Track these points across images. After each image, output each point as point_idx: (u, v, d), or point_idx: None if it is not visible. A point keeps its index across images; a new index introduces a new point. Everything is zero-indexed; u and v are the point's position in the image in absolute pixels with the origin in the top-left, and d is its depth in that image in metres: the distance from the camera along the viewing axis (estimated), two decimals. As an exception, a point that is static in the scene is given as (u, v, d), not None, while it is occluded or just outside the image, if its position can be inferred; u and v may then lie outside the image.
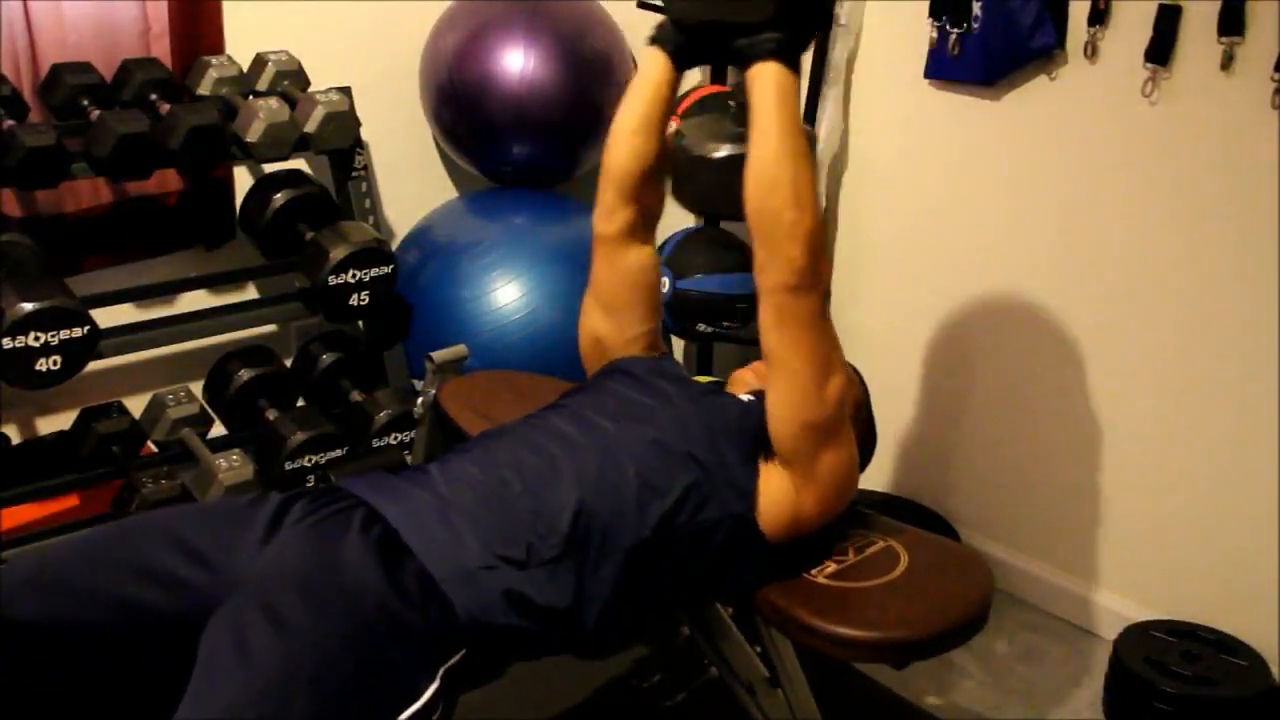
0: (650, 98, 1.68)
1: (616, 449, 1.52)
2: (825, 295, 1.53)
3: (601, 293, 1.79)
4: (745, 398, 1.65)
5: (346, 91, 2.66)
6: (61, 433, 2.56)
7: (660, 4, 2.58)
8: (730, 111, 1.75)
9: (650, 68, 1.68)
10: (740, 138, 1.60)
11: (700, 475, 1.51)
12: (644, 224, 1.76)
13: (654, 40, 1.68)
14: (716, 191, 1.65)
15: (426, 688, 1.29)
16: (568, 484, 1.46)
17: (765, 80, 1.53)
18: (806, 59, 2.63)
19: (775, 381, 1.54)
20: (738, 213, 1.54)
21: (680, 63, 1.67)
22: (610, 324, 1.78)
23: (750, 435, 1.57)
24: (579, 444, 1.53)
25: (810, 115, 2.65)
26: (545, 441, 1.54)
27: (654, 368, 1.73)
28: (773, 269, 1.49)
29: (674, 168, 1.78)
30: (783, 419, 1.53)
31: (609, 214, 1.74)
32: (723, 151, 1.66)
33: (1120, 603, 2.43)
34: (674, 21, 1.65)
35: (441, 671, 1.31)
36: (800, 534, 1.58)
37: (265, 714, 1.17)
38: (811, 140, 1.59)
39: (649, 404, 1.62)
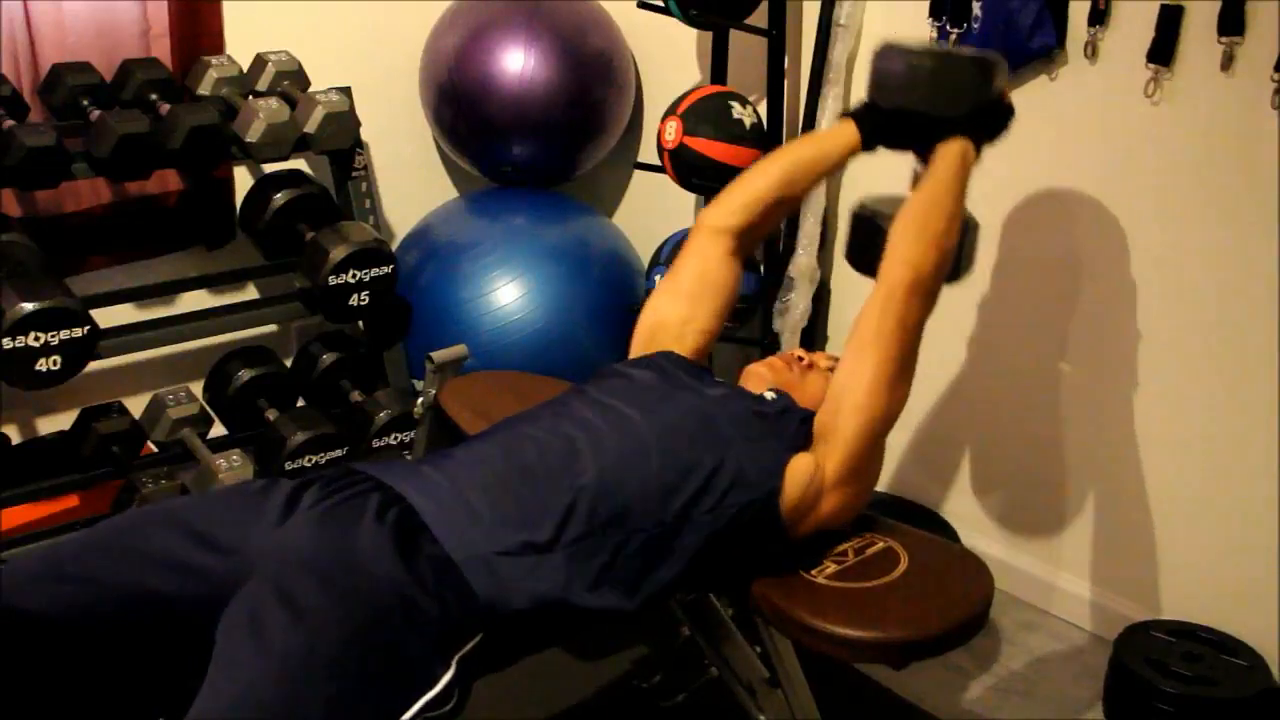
0: (824, 154, 1.84)
1: (639, 433, 1.52)
2: (928, 312, 1.65)
3: (681, 279, 1.83)
4: (769, 394, 1.66)
5: (346, 91, 2.67)
6: (61, 433, 2.57)
7: (661, 4, 2.59)
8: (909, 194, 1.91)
9: (841, 134, 1.84)
10: None
11: (722, 462, 1.51)
12: (746, 239, 1.84)
13: (851, 115, 1.84)
14: None
15: (442, 675, 1.29)
16: (590, 468, 1.46)
17: (952, 147, 1.74)
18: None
19: (856, 367, 1.59)
20: None
21: (869, 141, 1.83)
22: (677, 309, 1.81)
23: (774, 426, 1.59)
24: (601, 428, 1.53)
25: (810, 115, 2.65)
26: (568, 426, 1.54)
27: (676, 361, 1.74)
28: (899, 262, 1.62)
29: (856, 234, 1.99)
30: (851, 405, 1.57)
31: (729, 212, 1.82)
32: None
33: (1120, 603, 2.43)
34: (875, 105, 1.82)
35: (457, 659, 1.31)
36: (815, 529, 1.59)
37: (281, 700, 1.17)
38: (970, 224, 1.96)
39: (671, 391, 1.63)
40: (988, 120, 1.81)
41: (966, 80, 1.78)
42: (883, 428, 1.60)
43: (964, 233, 1.93)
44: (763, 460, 1.54)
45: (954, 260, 1.82)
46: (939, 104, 1.77)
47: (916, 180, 1.85)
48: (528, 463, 1.48)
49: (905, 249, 1.64)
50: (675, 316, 1.81)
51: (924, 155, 1.80)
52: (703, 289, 1.81)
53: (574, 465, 1.47)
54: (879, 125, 1.82)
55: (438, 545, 1.36)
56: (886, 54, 1.83)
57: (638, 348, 1.83)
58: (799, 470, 1.55)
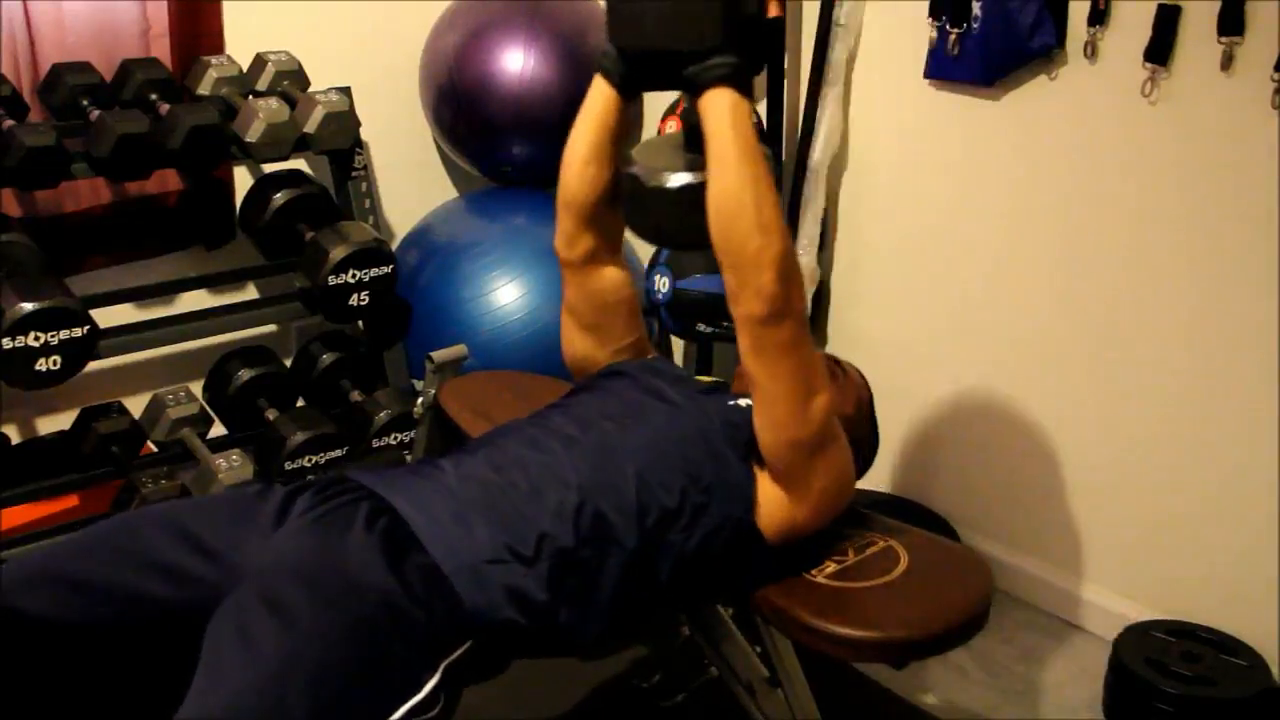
0: (598, 126, 1.66)
1: (616, 449, 1.52)
2: (802, 318, 1.50)
3: (577, 314, 1.80)
4: (744, 402, 1.65)
5: (346, 91, 2.66)
6: (61, 433, 2.57)
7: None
8: (680, 137, 1.67)
9: (596, 96, 1.65)
10: (693, 164, 1.56)
11: (699, 476, 1.51)
12: (607, 246, 1.75)
13: (599, 68, 1.64)
14: (673, 222, 1.59)
15: (427, 681, 1.29)
16: (570, 484, 1.46)
17: (719, 107, 1.48)
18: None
19: (759, 404, 1.53)
20: (696, 242, 1.50)
21: (627, 91, 1.64)
22: (592, 342, 1.80)
23: (748, 439, 1.57)
24: (581, 444, 1.53)
25: (810, 115, 2.65)
26: (549, 441, 1.54)
27: (652, 368, 1.73)
28: (745, 298, 1.46)
29: (626, 198, 1.68)
30: (769, 439, 1.53)
31: (570, 242, 1.74)
32: (676, 181, 1.56)
33: (1120, 603, 2.43)
34: (619, 50, 1.59)
35: (443, 666, 1.32)
36: (797, 537, 1.58)
37: (267, 704, 1.18)
38: (772, 161, 1.54)
39: (649, 404, 1.62)
40: (749, 45, 1.51)
41: (700, 8, 1.46)
42: (810, 447, 1.52)
43: None
44: (734, 477, 1.54)
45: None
46: (683, 37, 1.47)
47: (687, 125, 1.62)
48: (513, 478, 1.48)
49: (740, 287, 1.46)
50: (595, 348, 1.80)
51: (694, 93, 1.52)
52: (600, 315, 1.78)
53: (557, 481, 1.47)
54: (630, 76, 1.60)
55: (426, 555, 1.37)
56: None
57: (579, 378, 1.82)
58: (770, 495, 1.55)
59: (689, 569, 1.51)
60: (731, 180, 1.46)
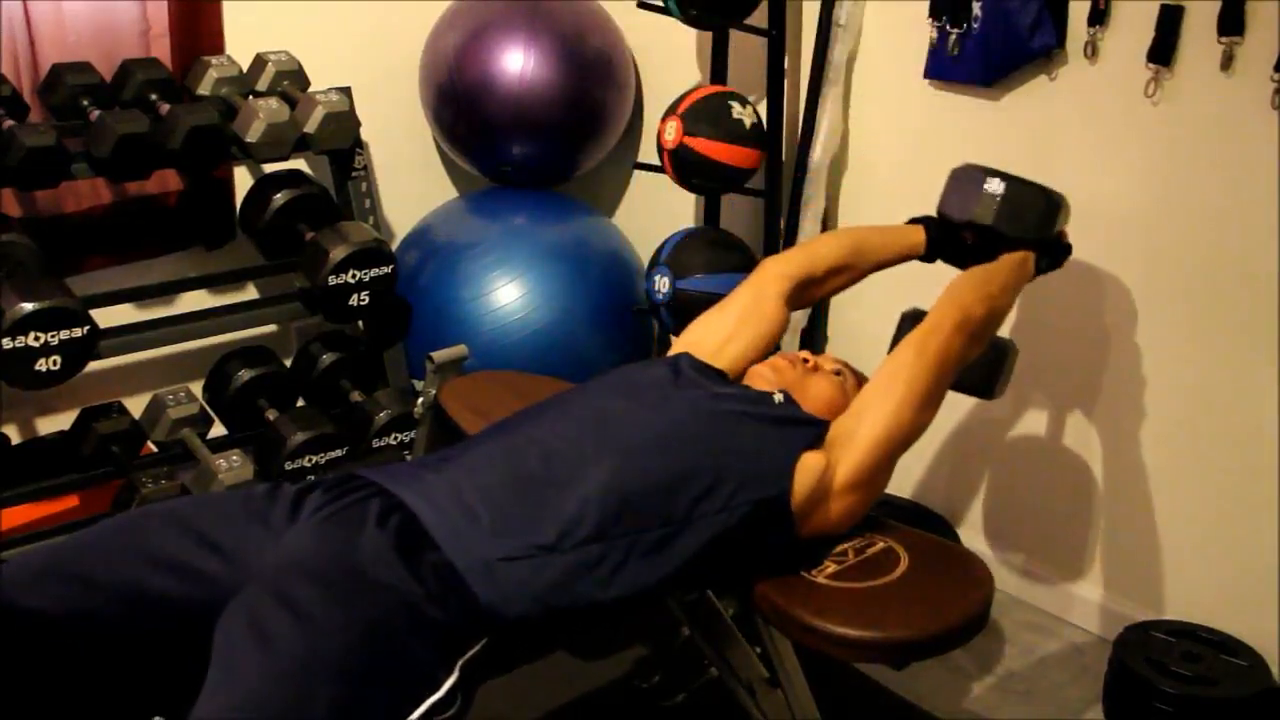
0: (886, 244, 1.97)
1: (643, 431, 1.52)
2: (961, 362, 1.72)
3: (730, 305, 1.87)
4: (777, 396, 1.66)
5: (346, 91, 2.67)
6: (61, 433, 2.57)
7: (661, 4, 2.58)
8: None
9: (907, 234, 1.99)
10: None
11: (729, 461, 1.51)
12: (800, 290, 1.90)
13: (921, 221, 1.99)
14: None
15: (445, 680, 1.29)
16: (596, 468, 1.46)
17: (1016, 255, 1.88)
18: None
19: (890, 381, 1.63)
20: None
21: (933, 250, 1.98)
22: (719, 330, 1.83)
23: (782, 426, 1.58)
24: (608, 427, 1.53)
25: (810, 115, 2.65)
26: (571, 425, 1.54)
27: (691, 361, 1.74)
28: (954, 303, 1.73)
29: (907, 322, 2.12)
30: (877, 414, 1.60)
31: (790, 260, 1.93)
32: None
33: (1120, 603, 2.43)
34: (945, 218, 1.96)
35: (460, 664, 1.31)
36: (819, 532, 1.59)
37: (286, 701, 1.17)
38: (1010, 350, 2.10)
39: (677, 389, 1.63)
40: (1048, 250, 1.94)
41: (1037, 207, 1.91)
42: (901, 442, 1.62)
43: (1004, 356, 2.07)
44: (773, 458, 1.54)
45: (992, 371, 2.02)
46: (1009, 224, 1.89)
47: None
48: (530, 464, 1.47)
49: (959, 294, 1.75)
50: (715, 336, 1.82)
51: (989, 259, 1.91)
52: (749, 315, 1.84)
53: (578, 465, 1.47)
54: (944, 238, 1.97)
55: (439, 551, 1.36)
56: (964, 172, 1.96)
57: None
58: (809, 468, 1.55)
59: (715, 550, 1.50)
60: (1002, 270, 1.85)
